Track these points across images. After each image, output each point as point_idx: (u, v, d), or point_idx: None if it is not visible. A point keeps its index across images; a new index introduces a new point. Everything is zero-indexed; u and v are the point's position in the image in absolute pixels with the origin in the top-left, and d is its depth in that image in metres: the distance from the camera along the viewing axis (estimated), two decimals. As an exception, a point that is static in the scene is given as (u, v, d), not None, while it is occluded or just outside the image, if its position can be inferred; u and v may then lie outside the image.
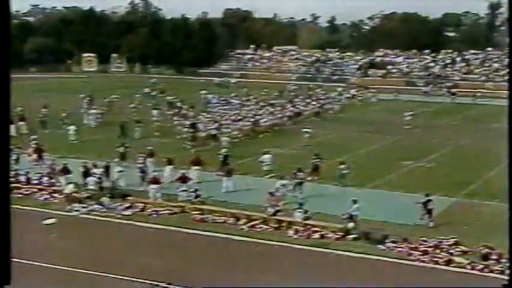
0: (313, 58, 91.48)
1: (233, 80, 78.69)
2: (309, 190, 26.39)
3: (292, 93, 61.43)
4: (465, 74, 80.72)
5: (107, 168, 27.88)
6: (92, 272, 18.00)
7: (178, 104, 50.62)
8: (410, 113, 47.46)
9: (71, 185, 25.85)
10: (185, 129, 39.36)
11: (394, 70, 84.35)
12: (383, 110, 56.33)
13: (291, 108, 50.44)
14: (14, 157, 29.29)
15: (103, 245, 20.71)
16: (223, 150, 32.34)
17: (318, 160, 29.88)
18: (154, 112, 45.77)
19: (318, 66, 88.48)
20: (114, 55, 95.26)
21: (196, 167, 28.72)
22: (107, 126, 43.36)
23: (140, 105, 51.96)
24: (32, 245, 19.03)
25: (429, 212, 22.73)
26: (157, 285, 16.69)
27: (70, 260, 18.82)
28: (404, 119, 46.44)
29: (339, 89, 64.74)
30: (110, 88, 64.14)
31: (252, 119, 44.10)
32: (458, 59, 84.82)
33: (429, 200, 22.90)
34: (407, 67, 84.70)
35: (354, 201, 22.28)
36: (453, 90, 69.57)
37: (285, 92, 62.21)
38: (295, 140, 39.79)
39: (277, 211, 23.03)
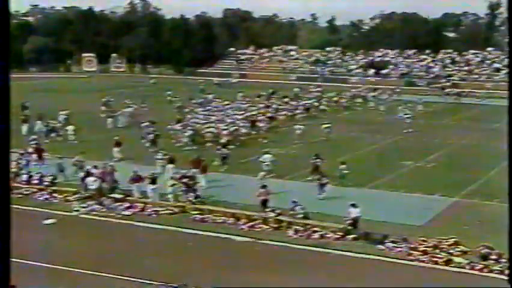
0: (314, 58, 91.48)
1: (233, 80, 78.66)
2: (309, 190, 26.38)
3: (292, 93, 61.39)
4: (465, 74, 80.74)
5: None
6: (92, 272, 18.02)
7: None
8: (408, 114, 47.36)
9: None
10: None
11: (394, 70, 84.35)
12: (383, 110, 56.19)
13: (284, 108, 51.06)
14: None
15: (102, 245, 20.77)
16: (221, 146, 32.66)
17: (318, 160, 29.88)
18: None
19: (318, 66, 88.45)
20: (114, 55, 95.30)
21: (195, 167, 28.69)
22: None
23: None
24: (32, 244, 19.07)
25: (322, 186, 25.92)
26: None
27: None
28: (404, 119, 46.40)
29: (338, 89, 64.67)
30: (119, 88, 64.69)
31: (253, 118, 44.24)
32: (458, 58, 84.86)
33: (322, 177, 26.33)
34: (406, 67, 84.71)
35: (354, 205, 22.15)
36: (456, 90, 69.58)
37: (277, 92, 61.88)
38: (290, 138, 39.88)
39: (266, 200, 23.36)
